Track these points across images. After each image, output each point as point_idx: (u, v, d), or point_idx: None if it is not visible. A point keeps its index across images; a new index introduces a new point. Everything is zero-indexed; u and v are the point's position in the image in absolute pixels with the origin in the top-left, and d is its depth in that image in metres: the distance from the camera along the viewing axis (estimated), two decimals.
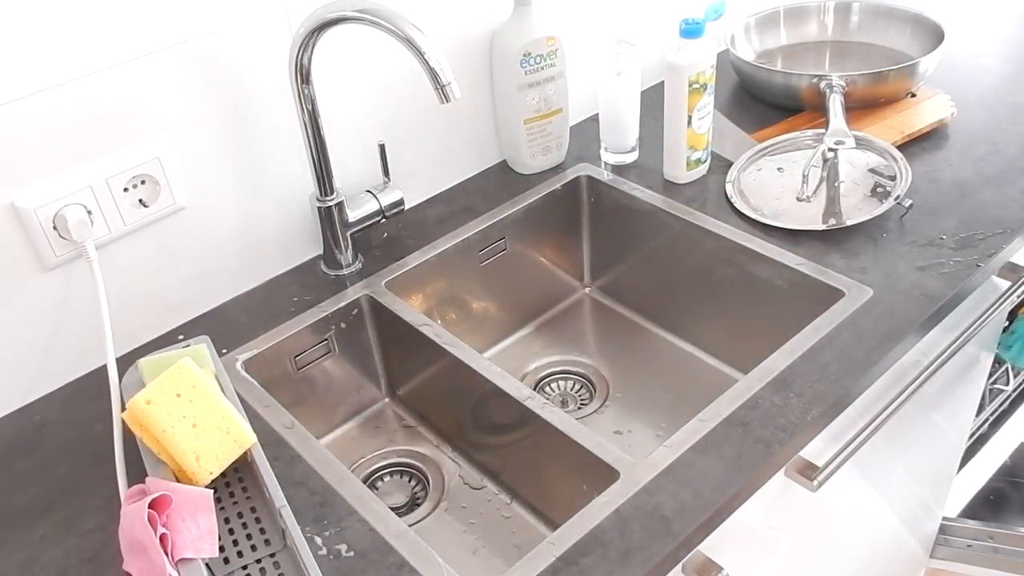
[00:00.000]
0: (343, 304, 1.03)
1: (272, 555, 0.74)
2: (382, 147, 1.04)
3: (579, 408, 1.13)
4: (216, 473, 0.76)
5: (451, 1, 1.09)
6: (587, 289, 1.30)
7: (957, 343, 1.03)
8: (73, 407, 0.92)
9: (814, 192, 1.12)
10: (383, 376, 1.12)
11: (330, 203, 1.02)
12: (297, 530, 0.73)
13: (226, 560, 0.73)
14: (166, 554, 0.67)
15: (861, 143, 1.16)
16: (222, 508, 0.78)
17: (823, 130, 1.16)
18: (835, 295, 0.97)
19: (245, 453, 0.79)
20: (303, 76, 0.92)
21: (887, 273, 0.98)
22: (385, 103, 1.09)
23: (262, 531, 0.76)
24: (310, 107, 0.94)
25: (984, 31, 1.50)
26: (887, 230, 1.05)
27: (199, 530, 0.70)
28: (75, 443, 0.88)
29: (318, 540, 0.76)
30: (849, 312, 0.94)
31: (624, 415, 1.12)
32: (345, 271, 1.07)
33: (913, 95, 1.28)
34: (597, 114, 1.27)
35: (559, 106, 1.19)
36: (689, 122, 1.12)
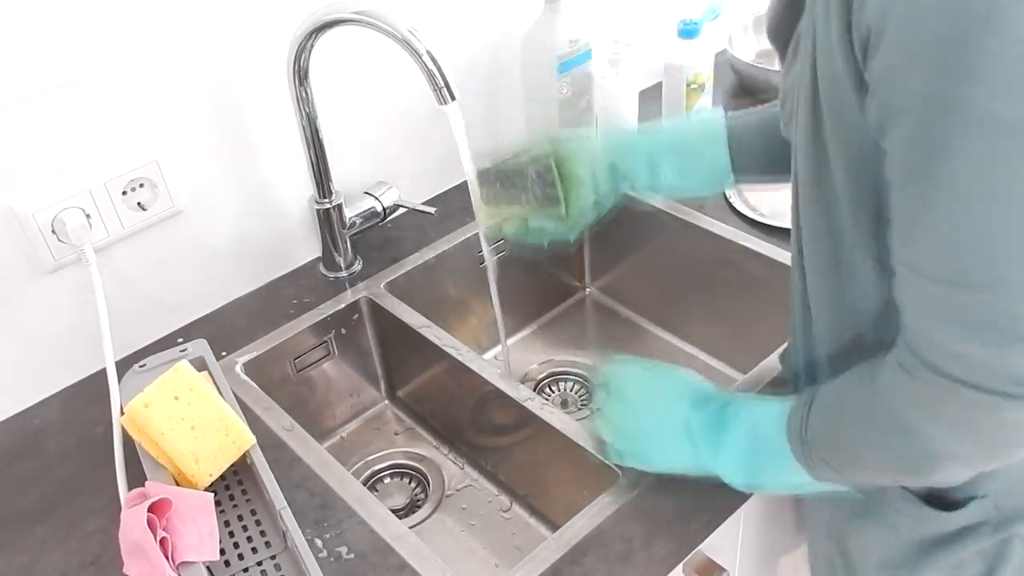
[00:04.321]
0: (342, 306, 1.03)
1: (273, 557, 0.74)
2: None
3: (579, 409, 1.13)
4: (216, 475, 0.77)
5: (460, 4, 1.09)
6: (587, 290, 1.30)
7: None
8: (73, 411, 0.92)
9: None
10: (383, 378, 1.11)
11: (328, 205, 1.01)
12: (298, 532, 0.73)
13: (227, 563, 0.73)
14: (167, 557, 0.67)
15: None
16: (222, 511, 0.78)
17: None
18: None
19: (244, 456, 0.79)
20: (301, 78, 0.92)
21: None
22: (384, 104, 1.09)
23: (262, 533, 0.76)
24: (308, 109, 0.94)
25: None
26: None
27: (200, 533, 0.70)
28: (75, 447, 0.88)
29: (318, 542, 0.76)
30: None
31: None
32: (344, 273, 1.07)
33: None
34: None
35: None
36: None
